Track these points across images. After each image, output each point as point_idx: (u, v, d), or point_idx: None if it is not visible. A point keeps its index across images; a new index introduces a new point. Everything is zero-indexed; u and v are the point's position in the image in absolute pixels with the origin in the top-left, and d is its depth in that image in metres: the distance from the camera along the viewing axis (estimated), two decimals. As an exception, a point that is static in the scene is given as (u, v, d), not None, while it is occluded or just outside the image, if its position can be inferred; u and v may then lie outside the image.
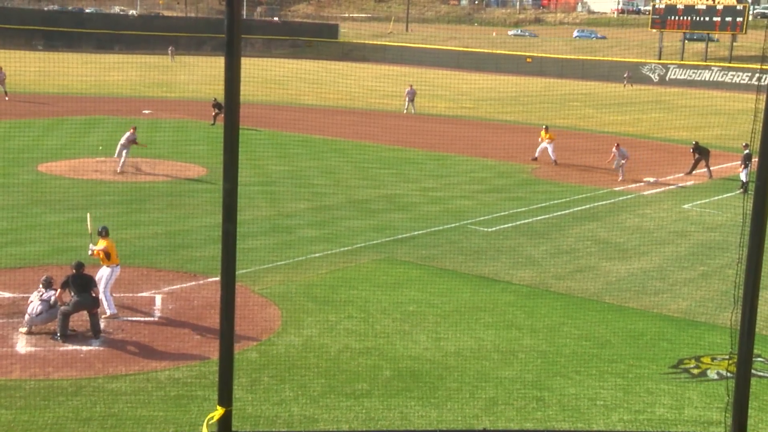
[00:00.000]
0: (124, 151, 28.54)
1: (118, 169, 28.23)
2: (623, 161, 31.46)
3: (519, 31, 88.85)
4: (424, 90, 60.69)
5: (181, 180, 27.66)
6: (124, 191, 25.46)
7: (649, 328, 16.04)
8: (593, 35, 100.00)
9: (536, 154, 34.53)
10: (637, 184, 30.65)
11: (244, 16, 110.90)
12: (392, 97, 55.23)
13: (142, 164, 29.19)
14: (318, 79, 60.20)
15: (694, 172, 32.52)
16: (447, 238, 22.00)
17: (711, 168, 32.46)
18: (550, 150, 34.10)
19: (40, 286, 14.66)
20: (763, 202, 8.96)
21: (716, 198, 28.74)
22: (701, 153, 32.43)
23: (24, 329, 14.29)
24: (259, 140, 34.37)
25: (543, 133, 34.84)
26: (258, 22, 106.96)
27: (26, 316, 14.34)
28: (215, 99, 38.40)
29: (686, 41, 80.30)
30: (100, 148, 30.57)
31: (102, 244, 15.31)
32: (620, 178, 31.14)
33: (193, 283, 17.03)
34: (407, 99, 49.45)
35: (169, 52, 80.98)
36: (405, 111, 49.14)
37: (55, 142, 33.13)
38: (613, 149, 31.98)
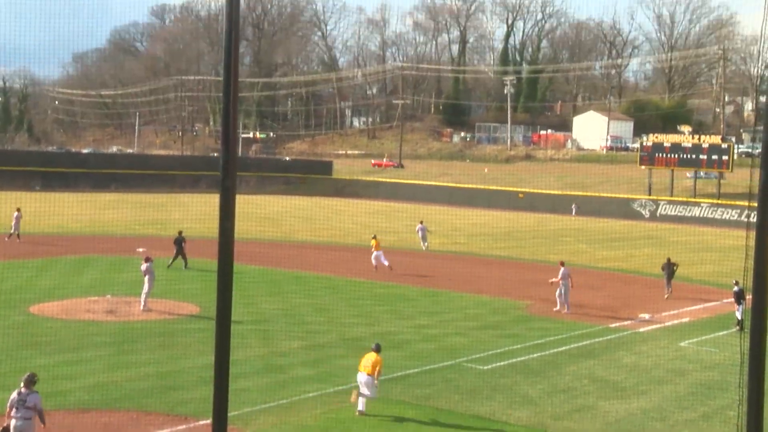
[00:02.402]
0: (146, 285, 28.64)
1: (141, 308, 28.30)
2: (563, 287, 31.29)
3: (703, 173, 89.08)
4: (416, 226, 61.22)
5: (174, 318, 27.51)
6: (115, 331, 25.26)
7: (651, 472, 15.64)
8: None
9: (374, 263, 39.01)
10: (632, 321, 30.56)
11: (240, 154, 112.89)
12: (386, 233, 55.68)
13: (134, 303, 29.10)
14: (311, 215, 60.87)
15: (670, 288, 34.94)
16: (442, 376, 21.74)
17: (671, 288, 34.82)
18: (381, 258, 39.02)
19: (21, 384, 13.95)
20: (760, 343, 8.94)
21: (713, 335, 28.59)
22: (668, 269, 35.21)
23: None
24: (252, 278, 34.41)
25: (373, 241, 40.01)
26: (253, 159, 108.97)
27: None
28: (180, 232, 38.49)
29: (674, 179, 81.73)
30: (109, 295, 30.50)
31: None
32: (566, 310, 31.13)
33: (184, 426, 16.68)
34: (420, 235, 49.27)
35: None
36: (424, 248, 48.67)
37: (47, 282, 33.06)
38: (561, 270, 31.56)
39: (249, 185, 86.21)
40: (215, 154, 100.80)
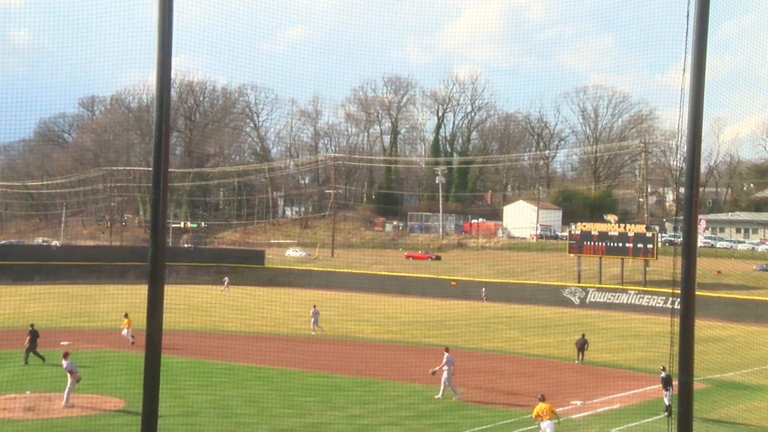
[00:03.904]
0: (69, 380, 27.87)
1: (63, 403, 27.47)
2: (447, 373, 31.55)
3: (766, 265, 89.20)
4: (351, 314, 60.94)
5: (98, 414, 26.65)
6: (34, 430, 24.31)
7: None
8: None
9: (131, 340, 41.26)
10: (564, 408, 30.69)
11: (170, 244, 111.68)
12: (320, 322, 55.28)
13: (56, 399, 28.15)
14: (243, 305, 60.16)
15: (581, 357, 41.07)
16: (375, 468, 21.39)
17: (584, 359, 40.86)
18: (127, 333, 42.01)
19: None
20: (687, 429, 9.13)
21: (642, 422, 28.89)
22: (581, 344, 41.10)
23: None
24: (180, 369, 33.69)
25: (124, 320, 42.57)
26: (183, 249, 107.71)
27: None
28: (32, 325, 37.45)
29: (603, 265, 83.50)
30: (28, 392, 29.47)
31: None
32: (455, 396, 31.32)
33: None
34: (313, 320, 51.32)
35: (224, 282, 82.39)
36: (314, 332, 50.45)
37: (-37, 378, 31.82)
38: (446, 356, 31.86)
39: (179, 275, 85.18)
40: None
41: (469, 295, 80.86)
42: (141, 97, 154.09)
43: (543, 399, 24.52)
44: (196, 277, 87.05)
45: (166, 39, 12.41)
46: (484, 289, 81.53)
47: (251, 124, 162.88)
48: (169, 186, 13.27)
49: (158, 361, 7.45)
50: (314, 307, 52.47)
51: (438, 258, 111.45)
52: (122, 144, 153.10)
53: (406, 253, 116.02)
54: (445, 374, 31.54)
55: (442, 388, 31.57)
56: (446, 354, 31.99)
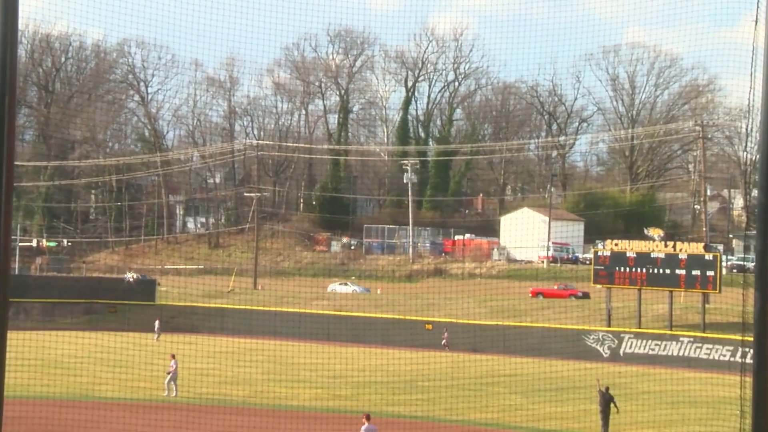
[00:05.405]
0: None
1: None
2: None
3: None
4: (281, 371, 60.66)
5: None
6: None
7: None
8: None
9: None
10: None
11: (15, 272, 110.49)
12: (233, 384, 55.03)
13: None
14: (125, 360, 59.65)
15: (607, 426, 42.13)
16: None
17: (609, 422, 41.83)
18: None
19: None
20: None
21: None
22: (603, 401, 42.40)
23: None
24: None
25: None
26: (37, 279, 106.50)
27: None
28: None
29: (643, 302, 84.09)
30: None
31: None
32: None
33: None
34: (170, 377, 52.00)
35: (155, 327, 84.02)
36: (166, 393, 51.55)
37: None
38: (364, 428, 32.66)
39: (31, 316, 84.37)
40: None
41: (454, 344, 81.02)
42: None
43: None
44: (54, 319, 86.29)
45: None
46: (445, 332, 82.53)
47: (137, 97, 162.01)
48: (15, 187, 13.06)
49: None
50: (173, 357, 52.75)
51: (586, 295, 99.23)
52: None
53: (532, 289, 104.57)
54: None
55: None
56: (366, 424, 32.52)
